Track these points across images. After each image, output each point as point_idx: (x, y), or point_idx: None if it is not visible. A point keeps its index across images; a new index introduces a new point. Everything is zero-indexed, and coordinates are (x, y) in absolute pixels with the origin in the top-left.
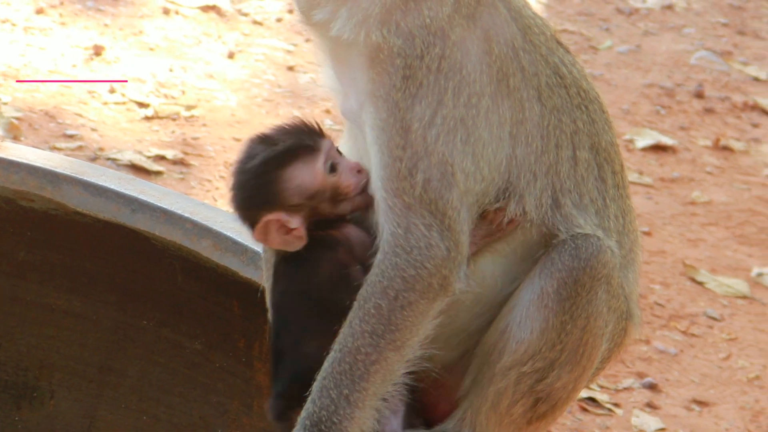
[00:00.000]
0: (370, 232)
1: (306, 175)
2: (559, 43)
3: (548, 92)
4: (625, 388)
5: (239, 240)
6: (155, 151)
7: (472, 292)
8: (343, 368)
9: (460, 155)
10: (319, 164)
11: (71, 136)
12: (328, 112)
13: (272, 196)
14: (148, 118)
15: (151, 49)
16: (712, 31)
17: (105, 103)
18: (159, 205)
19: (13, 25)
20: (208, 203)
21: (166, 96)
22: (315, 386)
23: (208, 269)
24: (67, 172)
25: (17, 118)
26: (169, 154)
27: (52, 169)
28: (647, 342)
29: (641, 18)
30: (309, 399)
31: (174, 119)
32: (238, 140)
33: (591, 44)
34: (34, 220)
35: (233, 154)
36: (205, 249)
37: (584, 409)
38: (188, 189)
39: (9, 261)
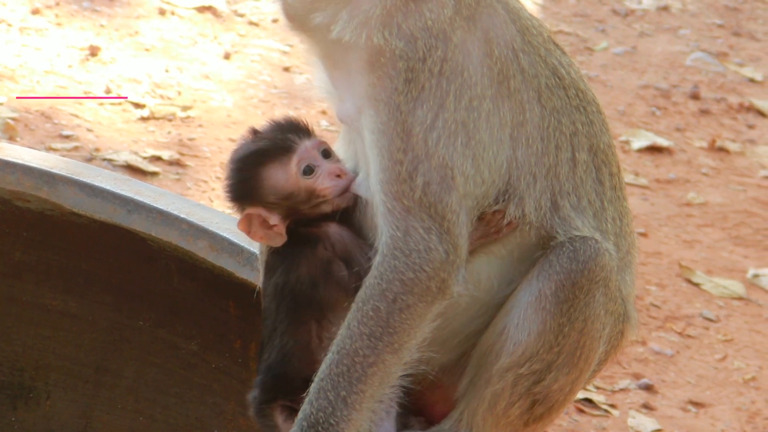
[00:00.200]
0: (356, 231)
1: (279, 176)
2: (555, 44)
3: (548, 94)
4: (622, 389)
5: (235, 241)
6: (151, 152)
7: (469, 295)
8: (341, 370)
9: (460, 159)
10: (292, 166)
11: (67, 137)
12: (324, 113)
13: (251, 191)
14: (143, 119)
15: (147, 50)
16: (707, 32)
17: (101, 104)
18: (155, 205)
19: (9, 25)
20: (204, 204)
21: (161, 97)
22: (312, 387)
23: (204, 270)
24: (63, 172)
25: (13, 119)
26: (165, 154)
27: (48, 169)
28: (643, 343)
29: (637, 19)
30: (306, 400)
31: (170, 120)
32: (233, 141)
33: (587, 45)
34: (30, 221)
35: (229, 154)
36: (201, 250)
37: (581, 410)
38: (184, 190)
39: (5, 261)
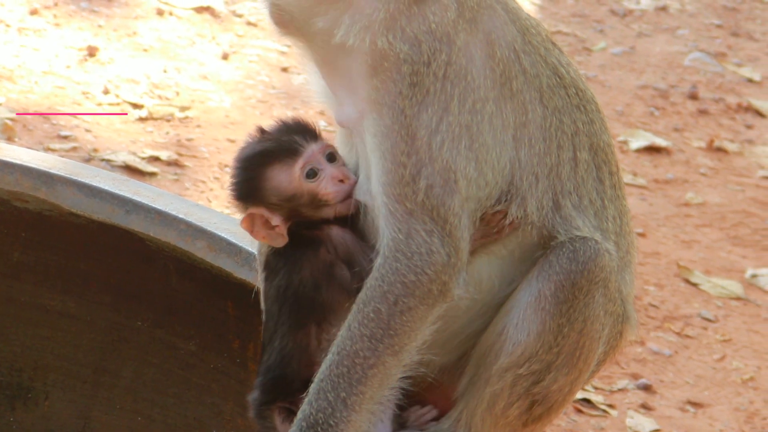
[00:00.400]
0: (360, 234)
1: (282, 178)
2: (553, 43)
3: (549, 93)
4: (620, 390)
5: (234, 241)
6: (149, 152)
7: (470, 298)
8: (341, 371)
9: (463, 162)
10: (296, 169)
11: (65, 137)
12: (322, 113)
13: (254, 191)
14: (142, 119)
15: (145, 50)
16: (705, 32)
17: (99, 104)
18: (153, 206)
19: (7, 26)
20: (203, 204)
21: (160, 97)
22: (312, 388)
23: (202, 270)
24: (62, 173)
25: (11, 119)
26: (164, 155)
27: (47, 170)
28: (642, 343)
29: (635, 19)
30: (306, 400)
31: (168, 120)
32: (232, 141)
33: (585, 46)
34: (28, 221)
35: (227, 155)
36: (199, 250)
37: (579, 410)
38: (182, 190)
39: (3, 262)
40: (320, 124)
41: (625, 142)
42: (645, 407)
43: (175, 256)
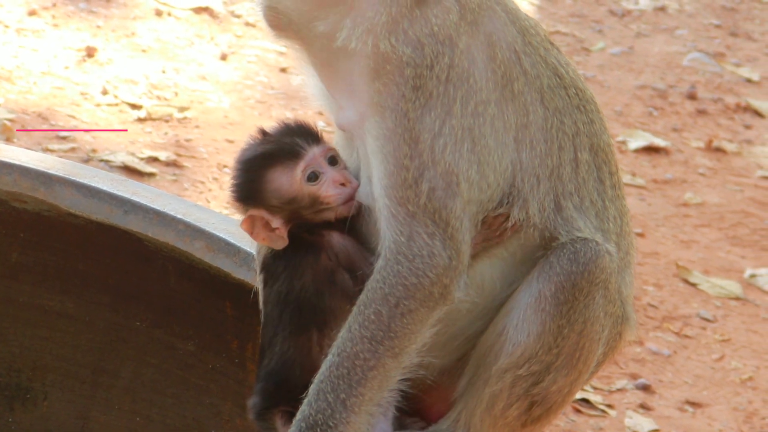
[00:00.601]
0: (360, 237)
1: (283, 181)
2: (551, 43)
3: (550, 94)
4: (619, 390)
5: (232, 241)
6: (148, 153)
7: (471, 301)
8: (341, 372)
9: (465, 165)
10: (298, 172)
11: (64, 138)
12: (321, 113)
13: (254, 193)
14: (140, 120)
15: (144, 51)
16: (704, 32)
17: (98, 105)
18: (152, 206)
19: (6, 26)
20: (201, 205)
21: (158, 98)
22: (312, 389)
23: (200, 270)
24: (60, 173)
25: (10, 120)
26: (162, 155)
27: (45, 170)
28: (641, 343)
29: (634, 20)
30: (305, 401)
31: (167, 121)
32: (230, 142)
33: (583, 46)
34: (27, 222)
35: (226, 155)
36: (197, 250)
37: (578, 411)
38: (181, 190)
39: (2, 262)
40: (319, 125)
41: (623, 142)
42: (644, 407)
43: (174, 256)
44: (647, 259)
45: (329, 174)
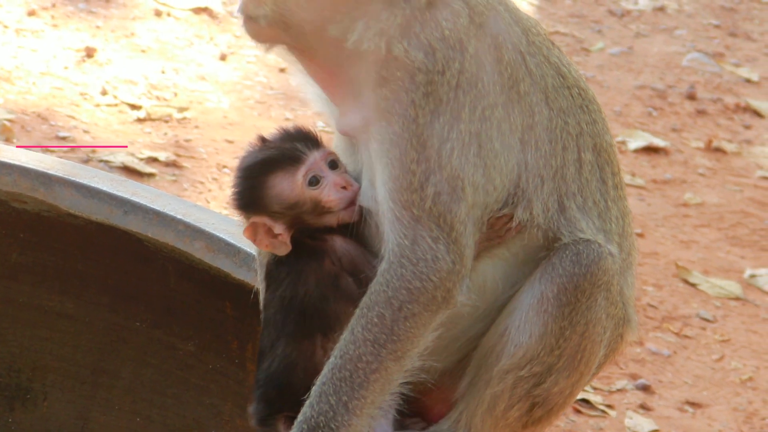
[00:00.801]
0: (363, 243)
1: (285, 186)
2: (552, 43)
3: (554, 94)
4: (619, 390)
5: (232, 241)
6: (147, 153)
7: (473, 304)
8: (343, 375)
9: (471, 169)
10: (299, 177)
11: (64, 138)
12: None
13: (256, 200)
14: (140, 120)
15: (143, 51)
16: (703, 32)
17: (97, 105)
18: (151, 206)
19: (5, 27)
20: (201, 205)
21: (158, 98)
22: (314, 390)
23: (200, 271)
24: (60, 173)
25: (9, 120)
26: (162, 155)
27: (45, 170)
28: (640, 343)
29: (633, 20)
30: (307, 403)
31: (166, 121)
32: (230, 142)
33: (583, 46)
34: (26, 222)
35: (225, 155)
36: (197, 250)
37: (578, 411)
38: (180, 191)
39: (2, 262)
40: (319, 125)
41: (623, 143)
42: (644, 407)
43: (174, 256)
44: (647, 259)
45: (330, 178)
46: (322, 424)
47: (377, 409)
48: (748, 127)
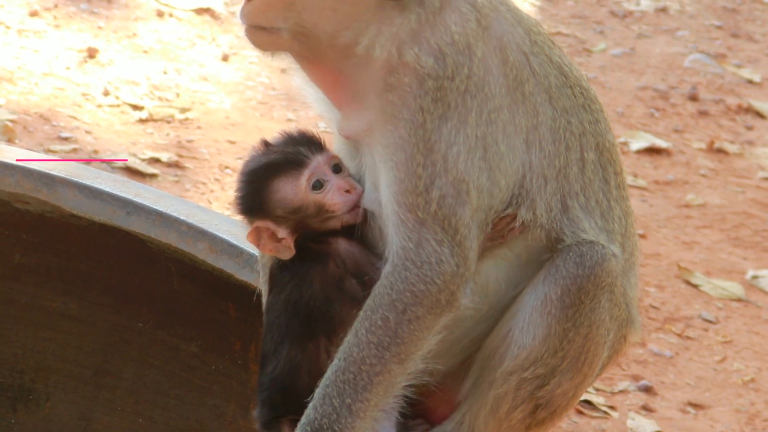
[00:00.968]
0: (367, 245)
1: (288, 190)
2: (553, 42)
3: (558, 94)
4: (621, 391)
5: (235, 243)
6: (149, 154)
7: (476, 307)
8: (347, 377)
9: (476, 172)
10: (303, 181)
11: (66, 139)
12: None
13: (259, 204)
14: (142, 121)
15: (145, 52)
16: (705, 33)
17: (99, 106)
18: (154, 207)
19: (7, 27)
20: (203, 206)
21: (160, 98)
22: (317, 393)
23: (203, 272)
24: (62, 174)
25: (12, 121)
26: (164, 156)
27: (48, 171)
28: (643, 345)
29: (635, 21)
30: (310, 405)
31: (168, 122)
32: (232, 143)
33: (585, 47)
34: (29, 223)
35: (228, 156)
36: (200, 252)
37: (580, 412)
38: (183, 191)
39: (4, 263)
40: (321, 126)
41: (625, 144)
42: (646, 409)
43: (177, 257)
44: (649, 260)
45: (334, 182)
46: (325, 427)
47: (381, 412)
48: (750, 128)
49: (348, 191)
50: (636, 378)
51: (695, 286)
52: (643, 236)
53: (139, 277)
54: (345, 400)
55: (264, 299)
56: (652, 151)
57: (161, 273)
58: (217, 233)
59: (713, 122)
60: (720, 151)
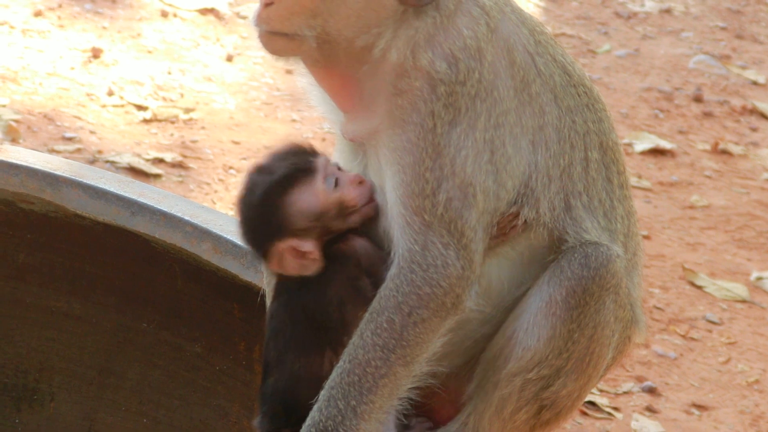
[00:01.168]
0: (377, 242)
1: (308, 198)
2: (555, 41)
3: (562, 93)
4: (625, 392)
5: (239, 243)
6: (154, 154)
7: (480, 310)
8: (352, 380)
9: (483, 175)
10: (319, 183)
11: (70, 139)
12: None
13: (279, 225)
14: (146, 121)
15: (149, 52)
16: (710, 35)
17: (103, 106)
18: (158, 207)
19: (11, 27)
20: (207, 206)
21: (164, 99)
22: (322, 395)
23: (208, 272)
24: (67, 174)
25: (16, 121)
26: (168, 156)
27: (52, 171)
28: (647, 346)
29: (639, 22)
30: (315, 407)
31: (172, 122)
32: (236, 143)
33: (589, 48)
34: (33, 223)
35: (232, 156)
36: (205, 252)
37: (584, 413)
38: (187, 192)
39: (9, 263)
40: (324, 127)
41: (629, 145)
42: (650, 410)
43: (181, 258)
44: (653, 261)
45: (344, 177)
46: (330, 428)
47: (385, 414)
48: (754, 130)
49: (360, 182)
50: (640, 379)
51: (699, 288)
52: (647, 237)
53: (143, 277)
54: (350, 402)
55: (269, 301)
56: (656, 152)
57: (165, 273)
58: (221, 233)
59: (718, 123)
60: (724, 152)
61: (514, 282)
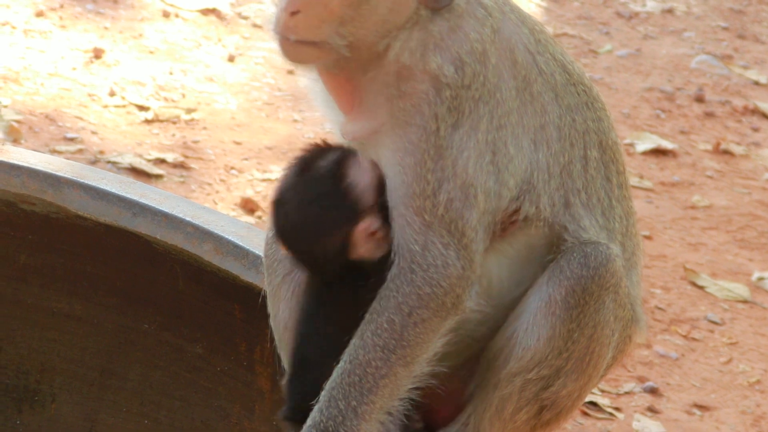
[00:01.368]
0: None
1: (364, 173)
2: (554, 40)
3: (563, 91)
4: (626, 393)
5: (240, 244)
6: (155, 155)
7: (480, 310)
8: (353, 380)
9: (484, 176)
10: (361, 159)
11: (71, 139)
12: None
13: (351, 207)
14: (148, 121)
15: (151, 52)
16: (712, 35)
17: (105, 106)
18: (160, 208)
19: (13, 27)
20: (209, 207)
21: (165, 99)
22: (323, 395)
23: (209, 273)
24: (68, 175)
25: (17, 121)
26: (170, 157)
27: (53, 172)
28: (648, 346)
29: (641, 22)
30: (316, 408)
31: (174, 122)
32: (238, 143)
33: (591, 48)
34: (35, 224)
35: (233, 157)
36: (206, 253)
37: (585, 414)
38: (188, 192)
39: (10, 264)
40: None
41: (631, 145)
42: (651, 410)
43: (182, 258)
44: (655, 261)
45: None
46: (331, 429)
47: (386, 414)
48: (756, 130)
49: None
50: (641, 379)
51: (701, 288)
52: (648, 237)
53: (145, 278)
54: (350, 402)
55: (269, 300)
56: (657, 152)
57: (167, 274)
58: (222, 234)
59: (719, 124)
60: (726, 152)
61: (513, 281)
